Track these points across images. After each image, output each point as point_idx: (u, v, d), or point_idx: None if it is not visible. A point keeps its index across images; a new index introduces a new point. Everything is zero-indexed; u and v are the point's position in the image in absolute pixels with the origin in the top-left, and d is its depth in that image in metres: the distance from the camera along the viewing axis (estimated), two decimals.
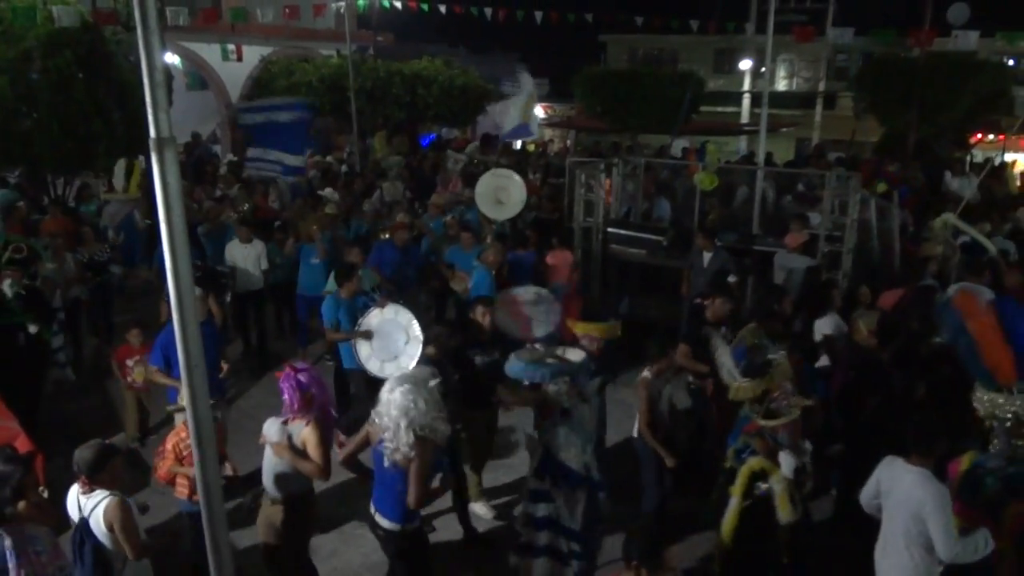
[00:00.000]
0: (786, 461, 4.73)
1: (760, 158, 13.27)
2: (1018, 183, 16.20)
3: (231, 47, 22.37)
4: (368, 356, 7.15)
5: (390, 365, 6.96)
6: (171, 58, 21.20)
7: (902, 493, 4.30)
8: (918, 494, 4.18)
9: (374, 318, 7.24)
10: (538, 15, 17.47)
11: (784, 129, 27.18)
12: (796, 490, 4.69)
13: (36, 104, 11.98)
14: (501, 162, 15.93)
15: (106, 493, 4.22)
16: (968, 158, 20.67)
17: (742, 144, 28.26)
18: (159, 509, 6.49)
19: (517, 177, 11.09)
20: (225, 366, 7.02)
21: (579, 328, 6.49)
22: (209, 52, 22.51)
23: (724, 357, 5.33)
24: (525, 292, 8.02)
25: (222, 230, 10.49)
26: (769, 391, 4.98)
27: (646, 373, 5.91)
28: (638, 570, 3.50)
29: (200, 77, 23.83)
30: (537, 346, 5.87)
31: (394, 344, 7.12)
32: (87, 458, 4.21)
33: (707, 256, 9.31)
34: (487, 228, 10.67)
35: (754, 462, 4.72)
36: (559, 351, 5.50)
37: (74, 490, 4.33)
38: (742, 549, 4.79)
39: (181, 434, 5.34)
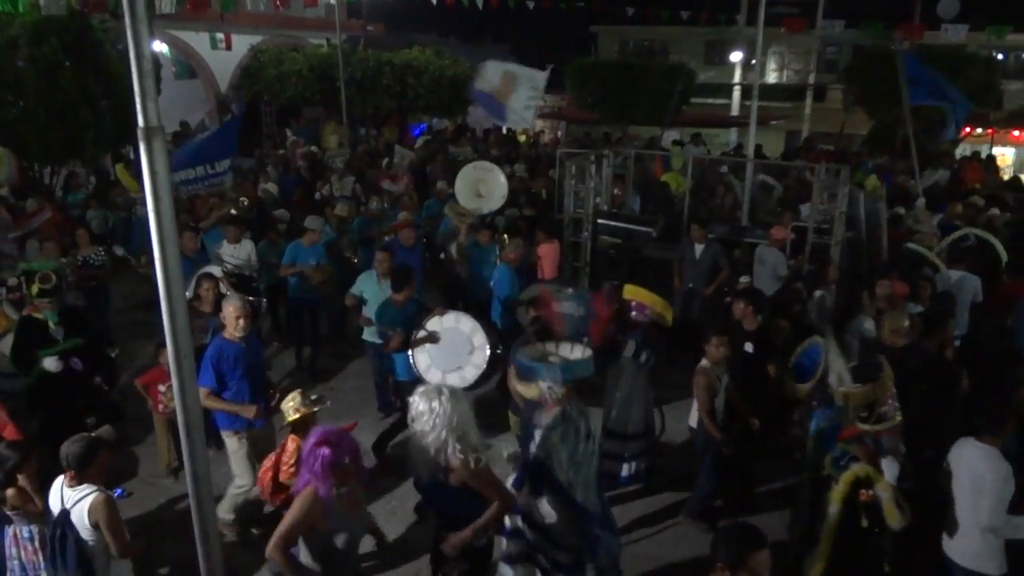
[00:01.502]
0: (890, 467, 4.66)
1: (750, 150, 13.30)
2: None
3: (220, 36, 22.26)
4: (428, 367, 6.71)
5: (452, 376, 6.58)
6: (159, 46, 21.04)
7: (967, 470, 4.47)
8: (980, 469, 4.37)
9: (433, 326, 6.78)
10: (530, 4, 17.45)
11: (774, 122, 27.23)
12: (902, 496, 4.57)
13: (23, 92, 11.87)
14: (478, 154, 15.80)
15: (92, 488, 4.19)
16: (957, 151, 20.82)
17: (732, 136, 28.31)
18: (148, 499, 6.52)
19: (498, 171, 10.93)
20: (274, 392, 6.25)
21: (629, 291, 6.74)
22: (198, 40, 22.36)
23: (836, 360, 5.12)
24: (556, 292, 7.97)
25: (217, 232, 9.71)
26: (880, 397, 4.79)
27: (704, 363, 5.91)
28: (728, 571, 3.32)
29: (188, 66, 23.65)
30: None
31: (456, 354, 6.69)
32: (76, 452, 4.18)
33: (699, 248, 9.37)
34: (460, 221, 10.35)
35: (858, 469, 4.59)
36: (560, 347, 5.23)
37: (59, 482, 4.31)
38: (843, 558, 4.68)
39: (289, 447, 5.02)
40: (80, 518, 4.17)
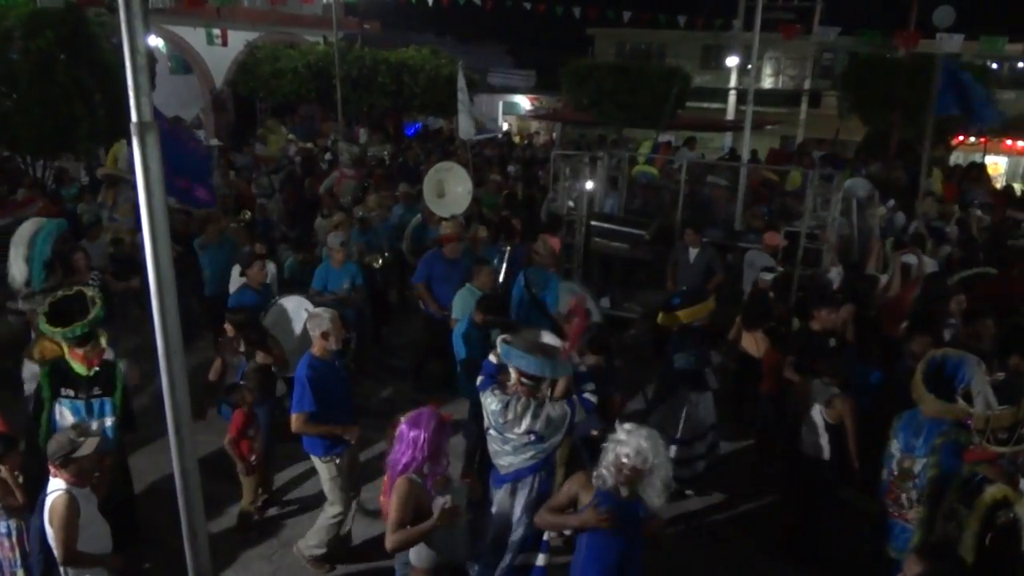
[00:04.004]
0: None
1: (744, 155, 13.34)
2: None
3: (216, 31, 22.20)
4: None
5: None
6: (154, 41, 20.98)
7: None
8: None
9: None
10: (527, 5, 17.47)
11: (769, 127, 27.29)
12: None
13: (16, 85, 11.82)
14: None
15: (62, 487, 4.12)
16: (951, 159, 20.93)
17: (727, 141, 28.36)
18: (156, 468, 6.48)
19: (458, 168, 10.58)
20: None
21: (664, 320, 6.64)
22: (194, 36, 22.31)
23: (983, 384, 4.77)
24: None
25: (223, 244, 8.88)
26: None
27: (836, 390, 5.71)
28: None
29: (184, 61, 23.60)
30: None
31: None
32: (54, 449, 4.14)
33: (693, 252, 9.39)
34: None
35: (996, 491, 4.36)
36: (549, 337, 5.22)
37: None
38: None
39: None
40: (44, 511, 4.16)
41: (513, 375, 4.80)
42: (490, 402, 4.78)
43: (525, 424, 4.67)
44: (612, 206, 12.01)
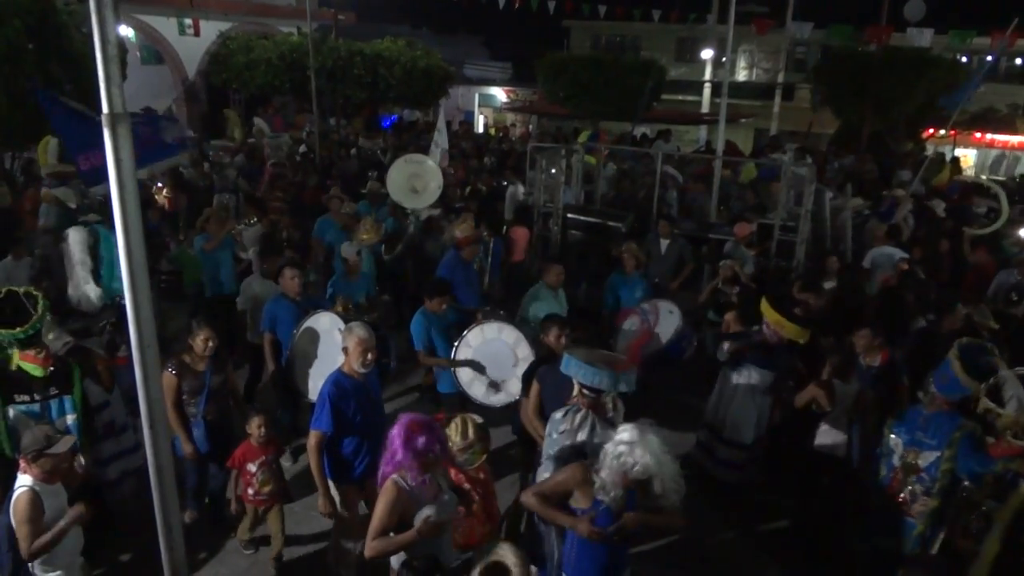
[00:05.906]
0: None
1: (719, 147, 13.42)
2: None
3: (188, 21, 21.95)
4: (471, 380, 6.37)
5: (496, 393, 6.33)
6: (125, 30, 20.67)
7: None
8: None
9: (475, 338, 6.38)
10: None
11: (743, 120, 27.48)
12: None
13: None
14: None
15: (28, 484, 4.07)
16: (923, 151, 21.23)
17: (702, 133, 28.53)
18: None
19: (431, 163, 10.41)
20: None
21: (770, 315, 6.20)
22: (165, 26, 22.02)
23: (1017, 387, 4.74)
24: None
25: (225, 244, 8.57)
26: None
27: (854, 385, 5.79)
28: None
29: (155, 51, 23.29)
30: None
31: (500, 367, 6.29)
32: (28, 442, 4.09)
33: (664, 243, 9.46)
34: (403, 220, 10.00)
35: None
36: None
37: None
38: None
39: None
40: (8, 506, 4.11)
41: (576, 386, 4.65)
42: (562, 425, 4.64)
43: (581, 438, 4.53)
44: (572, 196, 12.02)
